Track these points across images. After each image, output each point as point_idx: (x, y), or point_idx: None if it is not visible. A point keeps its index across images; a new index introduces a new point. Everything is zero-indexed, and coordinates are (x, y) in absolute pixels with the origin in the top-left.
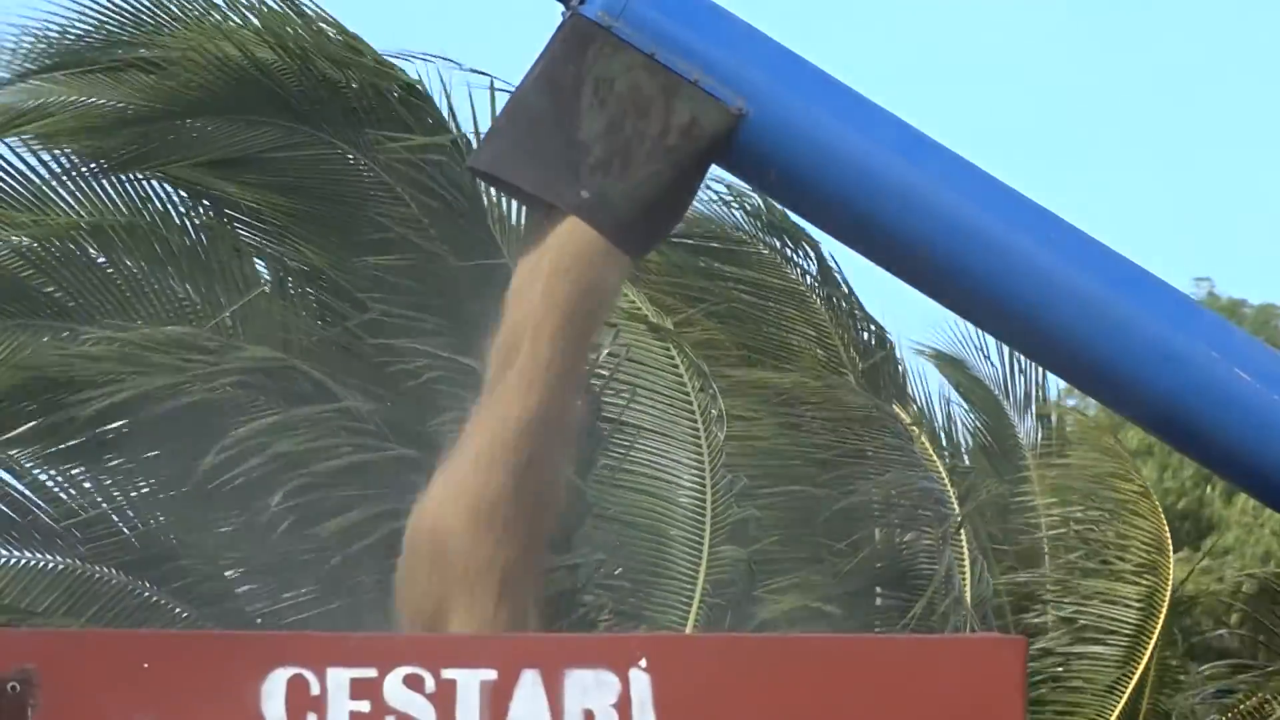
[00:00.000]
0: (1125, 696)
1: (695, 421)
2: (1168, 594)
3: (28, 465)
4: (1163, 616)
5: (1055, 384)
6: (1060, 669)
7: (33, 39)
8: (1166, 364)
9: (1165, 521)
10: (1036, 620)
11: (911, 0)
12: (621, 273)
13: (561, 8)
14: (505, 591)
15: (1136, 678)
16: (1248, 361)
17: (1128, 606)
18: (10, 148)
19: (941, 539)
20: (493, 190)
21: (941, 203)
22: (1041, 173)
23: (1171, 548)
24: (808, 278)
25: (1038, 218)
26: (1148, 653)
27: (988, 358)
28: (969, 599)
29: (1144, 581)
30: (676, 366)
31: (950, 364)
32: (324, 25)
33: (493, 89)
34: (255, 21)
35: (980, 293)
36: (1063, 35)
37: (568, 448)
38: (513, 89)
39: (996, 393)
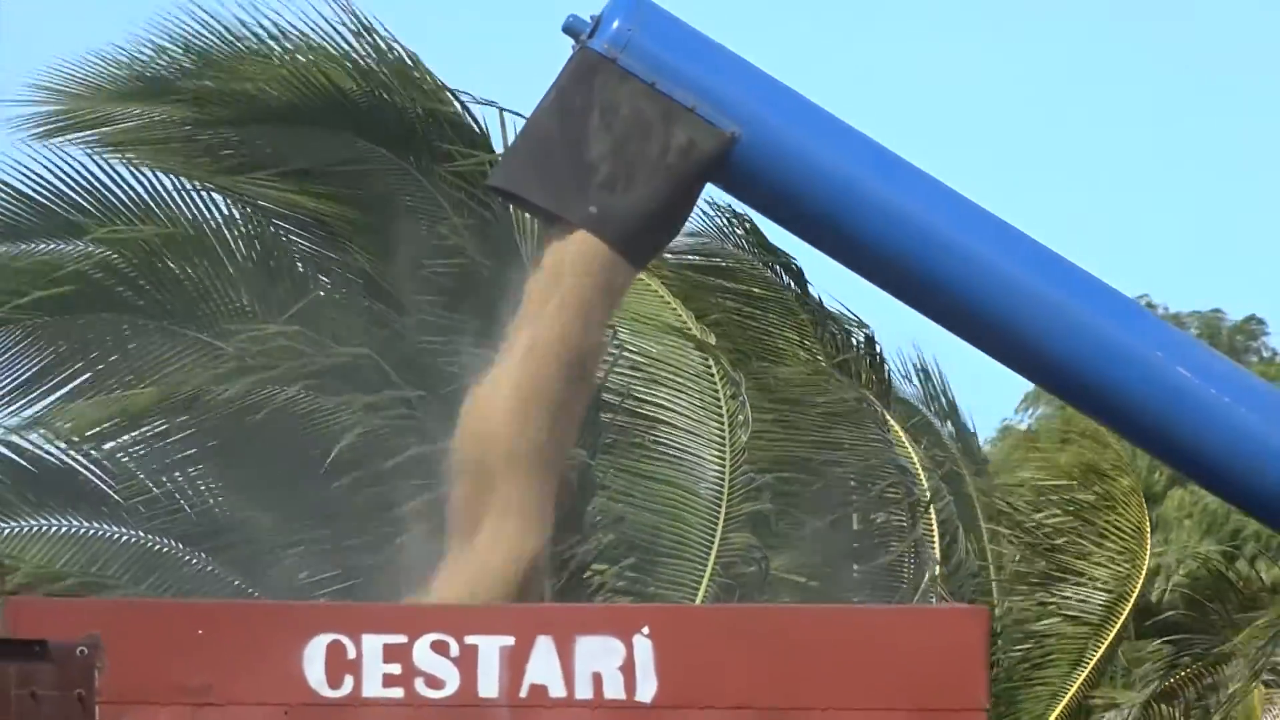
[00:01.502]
0: (1090, 665)
1: (722, 423)
2: (1141, 576)
3: (103, 445)
4: (1134, 596)
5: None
6: (1039, 640)
7: (117, 66)
8: (1119, 363)
9: (1147, 514)
10: (1020, 600)
11: (879, 30)
12: (626, 279)
13: (571, 41)
14: (541, 470)
15: (1103, 650)
16: (1187, 359)
17: (1100, 590)
18: (106, 165)
19: (911, 516)
20: None
21: (916, 218)
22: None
23: (1149, 536)
24: (789, 291)
25: (1004, 232)
26: (1118, 626)
27: None
28: (939, 573)
29: (1120, 566)
30: (711, 374)
31: None
32: (394, 47)
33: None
34: (329, 46)
35: (954, 300)
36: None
37: (590, 377)
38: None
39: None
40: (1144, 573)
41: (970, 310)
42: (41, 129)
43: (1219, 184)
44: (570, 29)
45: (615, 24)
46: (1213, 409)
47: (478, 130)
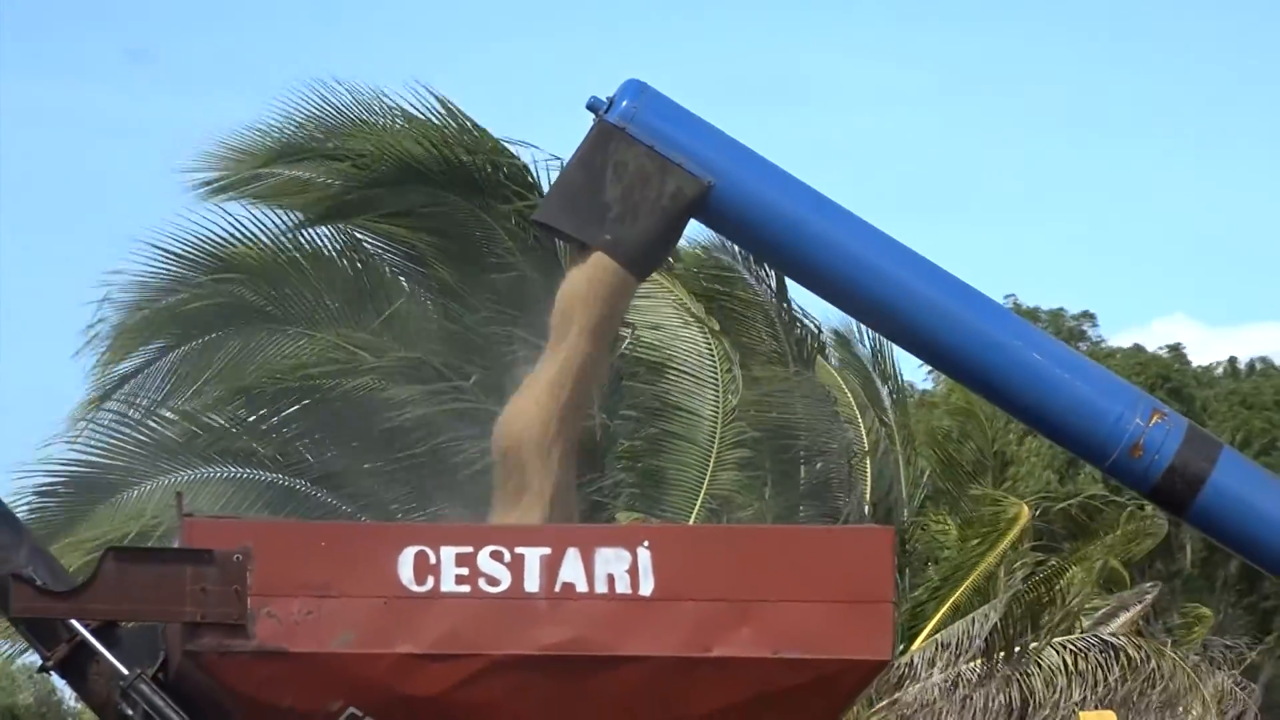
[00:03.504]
0: (978, 570)
1: (717, 390)
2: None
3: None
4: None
5: None
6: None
7: (262, 137)
8: (991, 349)
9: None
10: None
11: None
12: (632, 287)
13: (592, 115)
14: (559, 469)
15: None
16: (1039, 347)
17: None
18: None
19: (849, 467)
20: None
21: (845, 246)
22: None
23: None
24: (768, 291)
25: (908, 255)
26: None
27: None
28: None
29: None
30: (711, 354)
31: None
32: (463, 119)
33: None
34: (418, 116)
35: (871, 306)
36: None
37: (597, 393)
38: (561, 167)
39: None
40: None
41: (882, 313)
42: (210, 189)
43: (1069, 202)
44: (592, 107)
45: (624, 103)
46: (1057, 384)
47: (530, 178)
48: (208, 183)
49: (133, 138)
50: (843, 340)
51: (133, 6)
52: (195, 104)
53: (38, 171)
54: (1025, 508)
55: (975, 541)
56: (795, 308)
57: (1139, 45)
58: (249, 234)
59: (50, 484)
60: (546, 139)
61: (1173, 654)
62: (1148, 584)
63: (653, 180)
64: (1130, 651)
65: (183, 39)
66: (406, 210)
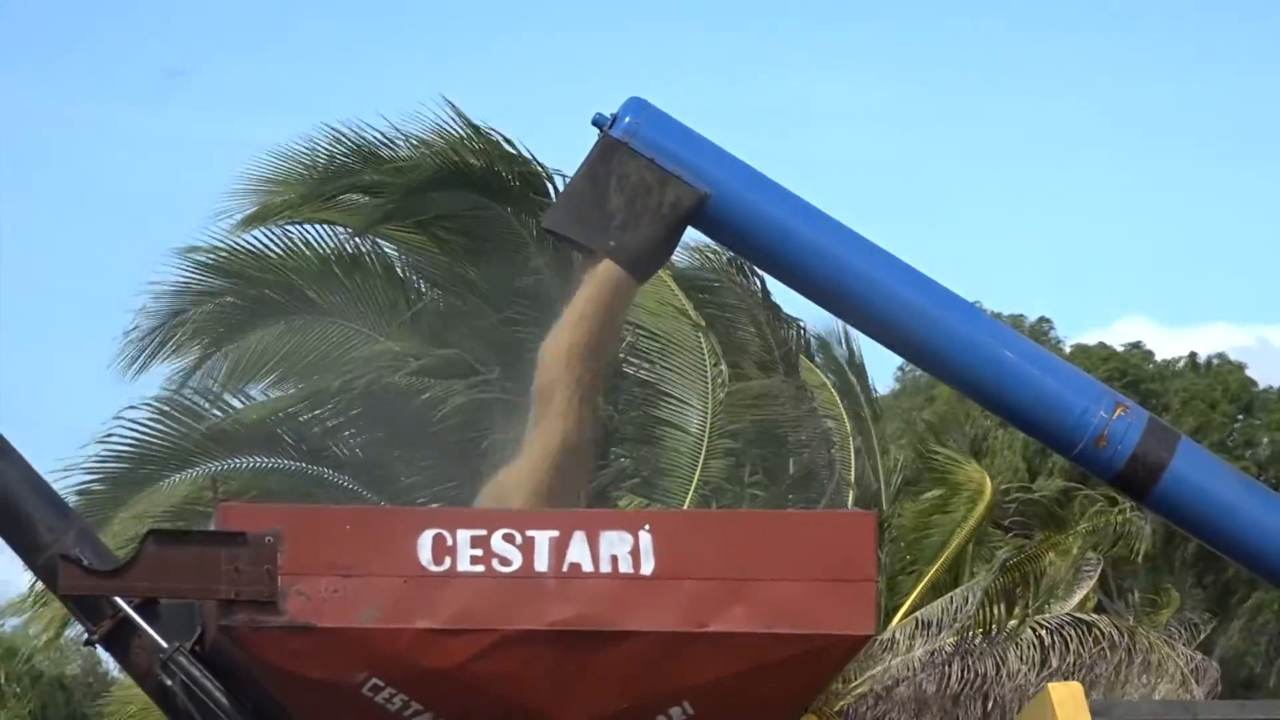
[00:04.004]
0: (952, 549)
1: (706, 383)
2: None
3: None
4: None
5: None
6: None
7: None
8: (966, 348)
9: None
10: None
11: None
12: (634, 289)
13: (597, 131)
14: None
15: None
16: (1010, 346)
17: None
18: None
19: (830, 459)
20: None
21: (833, 252)
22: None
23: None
24: (753, 295)
25: (891, 260)
26: (968, 527)
27: None
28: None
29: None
30: (700, 347)
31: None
32: (495, 134)
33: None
34: (453, 133)
35: (856, 308)
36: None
37: (585, 462)
38: (569, 178)
39: None
40: (991, 491)
41: (866, 314)
42: (247, 215)
43: (1027, 215)
44: (597, 123)
45: (627, 119)
46: (1028, 379)
47: (550, 186)
48: (247, 218)
49: (168, 151)
50: (824, 344)
51: (171, 27)
52: (230, 122)
53: (75, 180)
54: (989, 479)
55: (939, 495)
56: (782, 315)
57: (1092, 54)
58: (284, 243)
59: (89, 481)
60: (553, 147)
61: (1145, 631)
62: (1090, 554)
63: (653, 191)
64: (1103, 627)
65: (218, 59)
66: (443, 215)
